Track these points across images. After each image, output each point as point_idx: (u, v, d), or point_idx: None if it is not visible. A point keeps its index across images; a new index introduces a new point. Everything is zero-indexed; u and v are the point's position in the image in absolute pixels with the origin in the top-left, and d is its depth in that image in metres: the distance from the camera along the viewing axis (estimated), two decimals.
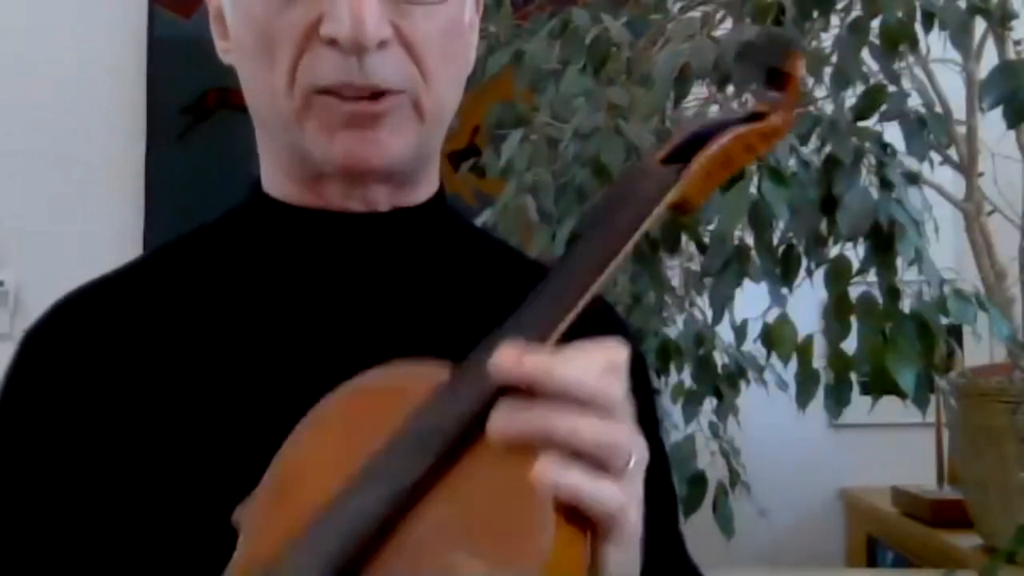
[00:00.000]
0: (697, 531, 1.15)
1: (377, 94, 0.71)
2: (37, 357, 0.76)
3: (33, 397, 0.75)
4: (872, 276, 1.48)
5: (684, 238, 1.59)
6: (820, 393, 1.55)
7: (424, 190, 0.80)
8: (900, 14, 1.46)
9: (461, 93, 0.79)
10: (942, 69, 1.68)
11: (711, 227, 1.56)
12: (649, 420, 0.72)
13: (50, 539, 0.71)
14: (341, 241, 0.77)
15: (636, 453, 0.58)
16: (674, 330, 1.79)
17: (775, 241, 1.50)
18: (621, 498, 0.57)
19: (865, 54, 1.51)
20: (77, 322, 0.77)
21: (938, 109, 1.59)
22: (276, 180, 0.79)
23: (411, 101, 0.73)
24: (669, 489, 0.88)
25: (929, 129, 1.51)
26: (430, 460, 0.56)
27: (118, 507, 0.70)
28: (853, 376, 1.50)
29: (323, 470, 0.59)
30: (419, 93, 0.73)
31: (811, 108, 1.53)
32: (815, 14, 1.51)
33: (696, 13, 1.72)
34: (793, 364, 1.58)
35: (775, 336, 1.56)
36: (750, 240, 1.50)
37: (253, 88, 0.76)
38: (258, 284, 0.78)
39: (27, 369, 0.76)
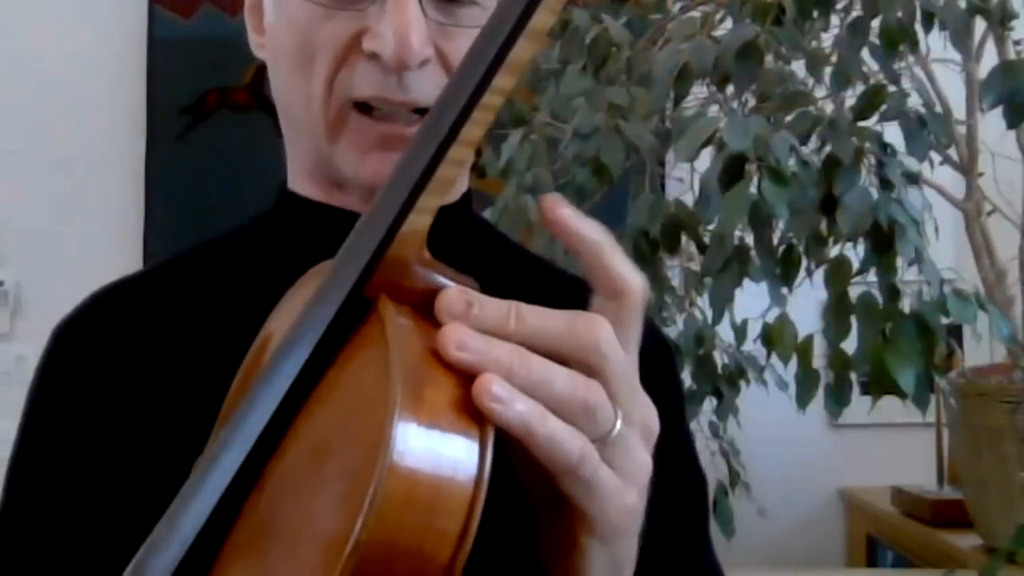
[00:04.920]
0: None
1: (412, 111, 0.71)
2: (67, 350, 0.78)
3: (63, 391, 0.76)
4: (872, 276, 1.48)
5: (684, 238, 1.59)
6: (820, 393, 1.55)
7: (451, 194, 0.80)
8: (900, 14, 1.46)
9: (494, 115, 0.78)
10: (942, 69, 1.69)
11: (711, 227, 1.56)
12: (672, 423, 0.64)
13: (67, 536, 0.72)
14: None
15: (641, 418, 0.50)
16: (674, 330, 1.78)
17: (775, 241, 1.50)
18: (586, 452, 0.47)
19: (865, 54, 1.51)
20: (109, 317, 0.78)
21: (938, 109, 1.59)
22: (301, 180, 0.80)
23: None
24: (698, 484, 0.84)
25: (929, 129, 1.52)
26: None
27: (142, 504, 0.70)
28: (853, 376, 1.50)
29: None
30: None
31: (811, 108, 1.53)
32: (815, 14, 1.51)
33: (696, 13, 1.72)
34: (793, 364, 1.58)
35: (775, 336, 1.56)
36: (750, 240, 1.50)
37: (288, 92, 0.76)
38: (281, 283, 0.78)
39: (57, 362, 0.78)
